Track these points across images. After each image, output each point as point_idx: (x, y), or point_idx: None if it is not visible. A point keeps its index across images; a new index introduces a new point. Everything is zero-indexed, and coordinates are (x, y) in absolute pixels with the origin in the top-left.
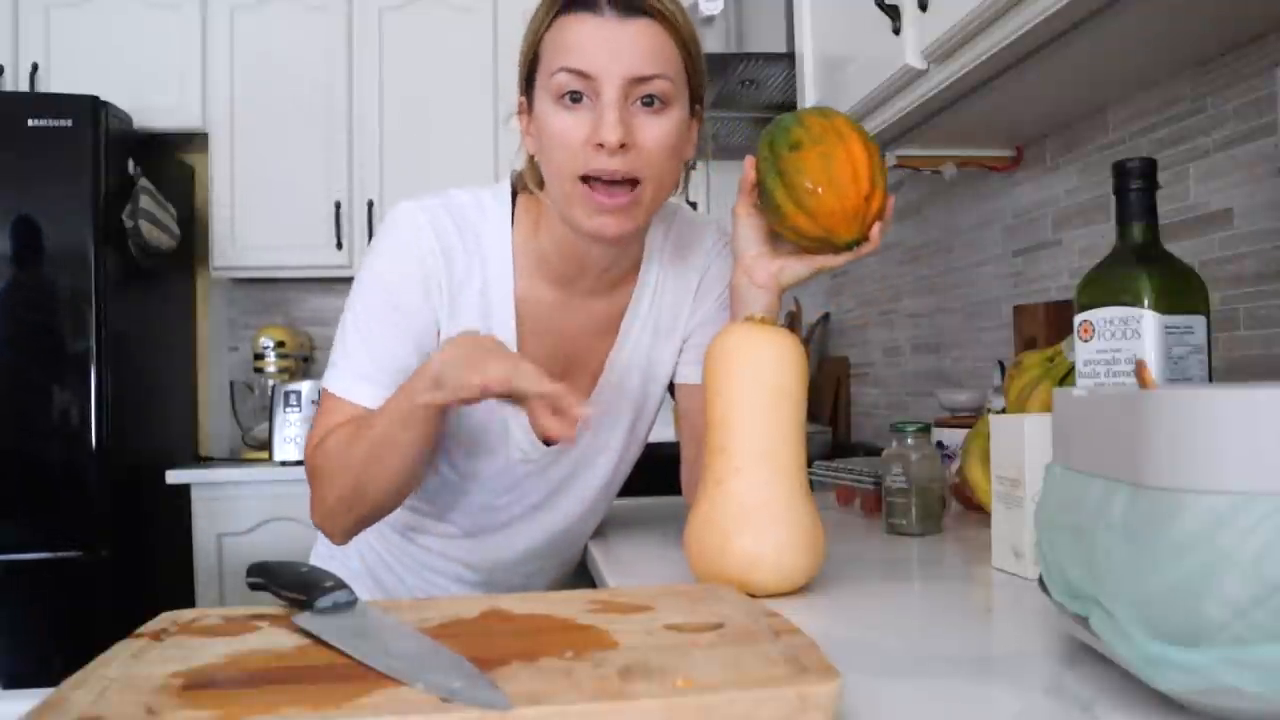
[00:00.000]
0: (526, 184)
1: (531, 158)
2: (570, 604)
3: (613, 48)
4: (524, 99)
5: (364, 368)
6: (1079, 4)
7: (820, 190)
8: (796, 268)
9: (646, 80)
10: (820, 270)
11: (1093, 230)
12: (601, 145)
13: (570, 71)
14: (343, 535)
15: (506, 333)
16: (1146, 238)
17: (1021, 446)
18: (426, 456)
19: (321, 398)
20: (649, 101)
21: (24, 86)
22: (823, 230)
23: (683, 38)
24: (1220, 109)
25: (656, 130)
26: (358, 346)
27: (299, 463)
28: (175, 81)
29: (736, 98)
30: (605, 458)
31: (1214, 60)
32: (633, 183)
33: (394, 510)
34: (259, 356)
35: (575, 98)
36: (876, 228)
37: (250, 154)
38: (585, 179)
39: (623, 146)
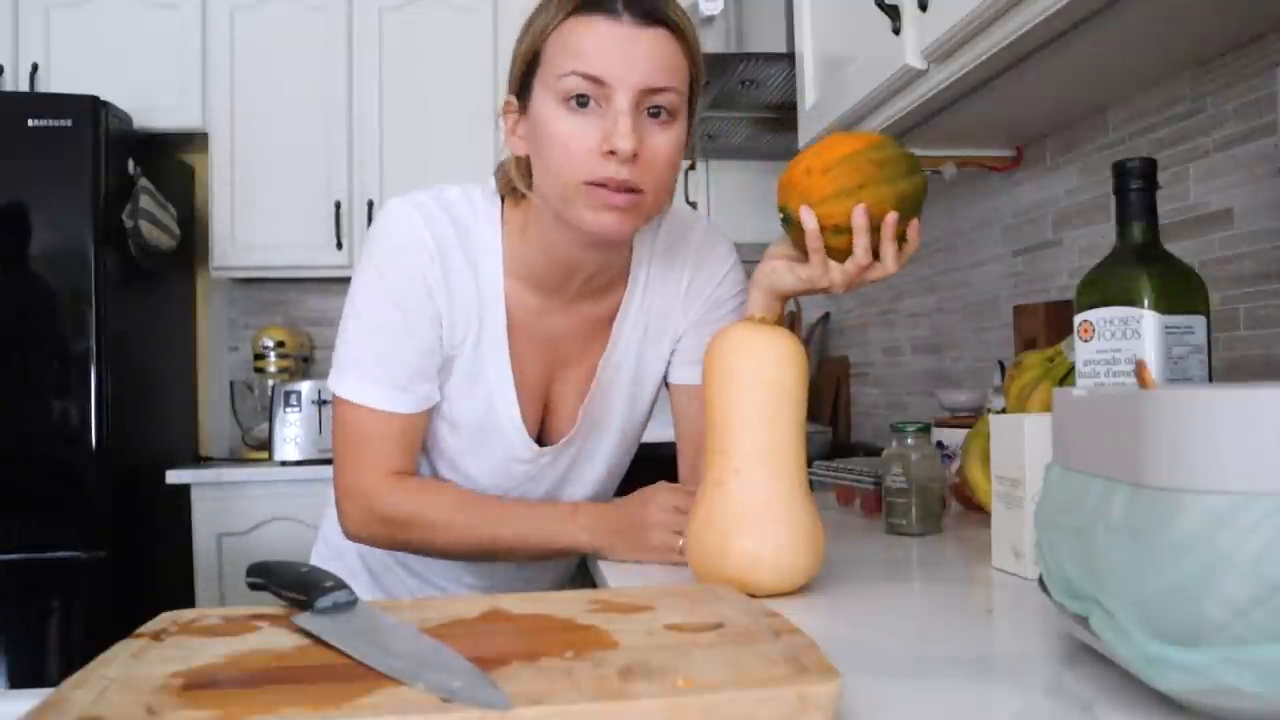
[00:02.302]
0: (513, 183)
1: (518, 158)
2: (570, 604)
3: (628, 55)
4: (514, 99)
5: (374, 371)
6: (1079, 4)
7: (788, 168)
8: (784, 275)
9: (658, 92)
10: (807, 282)
11: (1093, 230)
12: (613, 153)
13: (582, 75)
14: (360, 542)
15: (498, 334)
16: (1146, 238)
17: (1021, 446)
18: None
19: (338, 406)
20: (655, 113)
21: (24, 86)
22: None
23: (692, 52)
24: (1220, 109)
25: (663, 142)
26: (365, 350)
27: (299, 462)
28: (175, 81)
29: (736, 98)
30: (599, 459)
31: (1214, 60)
32: (636, 192)
33: None
34: (259, 356)
35: (582, 102)
36: (805, 210)
37: (250, 154)
38: (592, 183)
39: (634, 155)
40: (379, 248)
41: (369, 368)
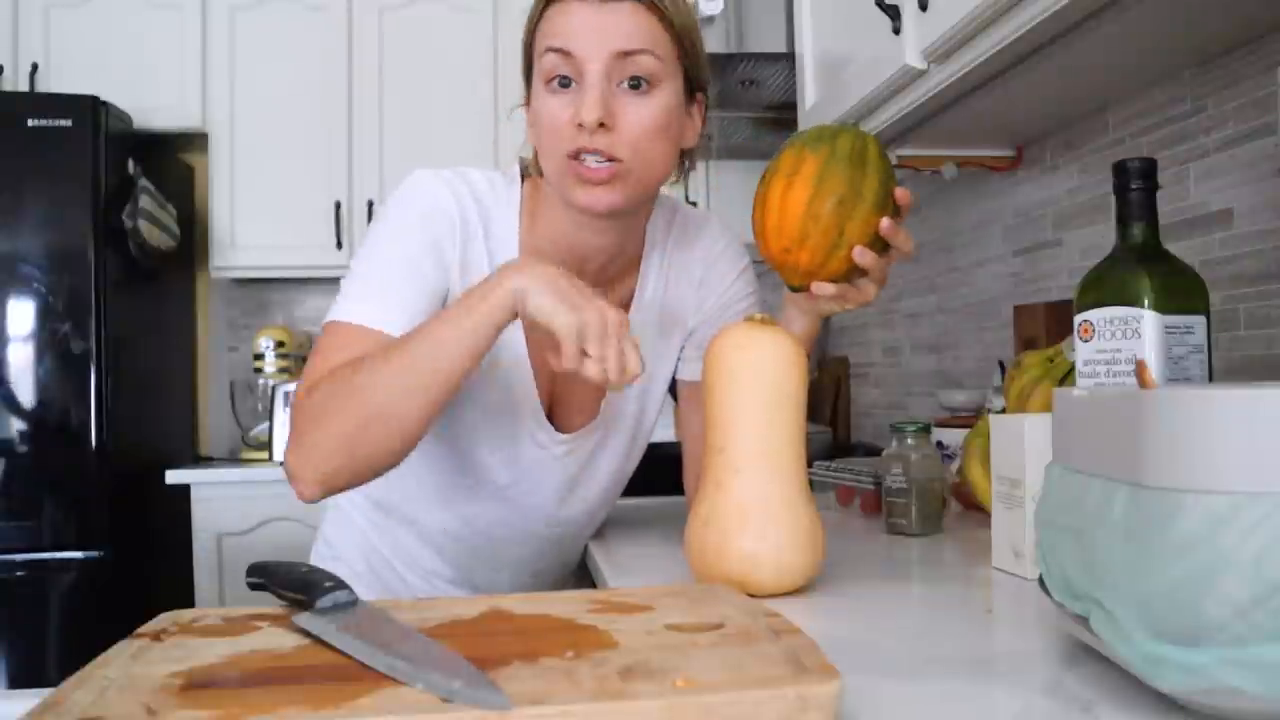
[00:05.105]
0: (532, 170)
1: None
2: (570, 604)
3: (595, 27)
4: (527, 92)
5: (379, 300)
6: (1079, 4)
7: (755, 231)
8: (804, 306)
9: (630, 56)
10: (821, 313)
11: (1093, 230)
12: (582, 125)
13: (554, 51)
14: (320, 485)
15: (516, 326)
16: (1146, 238)
17: (1021, 446)
18: (451, 397)
19: (325, 331)
20: (635, 84)
21: (24, 86)
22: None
23: (671, 21)
24: (1220, 109)
25: (641, 112)
26: (370, 282)
27: None
28: (175, 81)
29: (736, 98)
30: (610, 457)
31: (1214, 60)
32: (614, 161)
33: (388, 469)
34: (259, 356)
35: (564, 82)
36: (817, 284)
37: (250, 154)
38: (572, 156)
39: (602, 126)
40: (398, 211)
41: (376, 297)
